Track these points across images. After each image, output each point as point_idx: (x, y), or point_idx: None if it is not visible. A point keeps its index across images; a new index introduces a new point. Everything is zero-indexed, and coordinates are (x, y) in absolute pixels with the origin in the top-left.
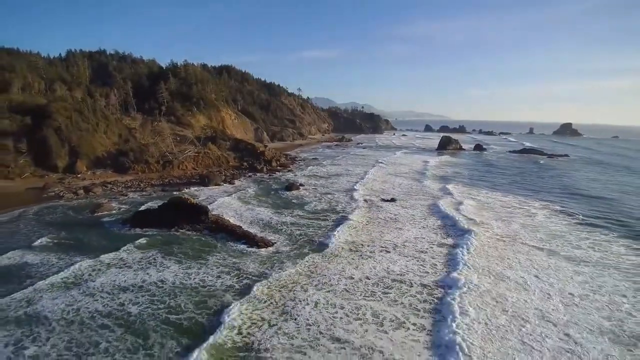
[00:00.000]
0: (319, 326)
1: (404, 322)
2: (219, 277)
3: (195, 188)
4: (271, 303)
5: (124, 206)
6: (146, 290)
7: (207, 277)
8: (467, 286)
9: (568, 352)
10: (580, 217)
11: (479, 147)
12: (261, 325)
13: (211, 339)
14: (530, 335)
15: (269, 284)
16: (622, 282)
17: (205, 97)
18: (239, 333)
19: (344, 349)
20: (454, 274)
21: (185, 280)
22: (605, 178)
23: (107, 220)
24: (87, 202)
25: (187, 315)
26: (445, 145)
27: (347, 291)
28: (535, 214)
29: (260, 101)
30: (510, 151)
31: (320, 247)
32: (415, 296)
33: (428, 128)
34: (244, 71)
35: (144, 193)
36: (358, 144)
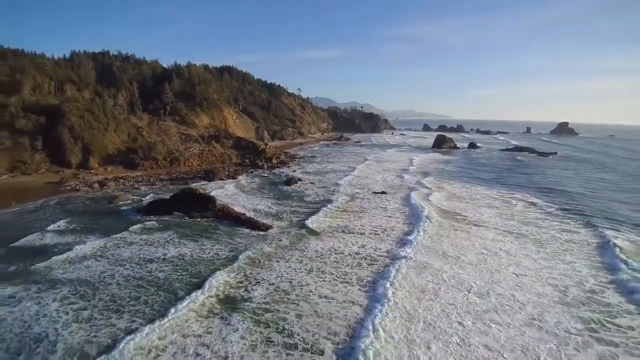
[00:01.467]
0: (309, 286)
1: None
2: (231, 251)
3: (201, 182)
4: (270, 269)
5: (137, 197)
6: (169, 261)
7: (221, 252)
8: (406, 259)
9: (505, 305)
10: (554, 208)
11: (472, 146)
12: (263, 284)
13: (222, 294)
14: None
15: (269, 256)
16: (582, 260)
17: (208, 97)
18: (246, 290)
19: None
20: (400, 250)
21: (202, 255)
22: (585, 175)
23: (124, 208)
24: (102, 194)
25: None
26: (440, 144)
27: (336, 262)
28: (506, 205)
29: (260, 101)
30: (501, 149)
31: (314, 230)
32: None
33: (426, 127)
34: (244, 72)
35: (154, 187)
36: (356, 142)
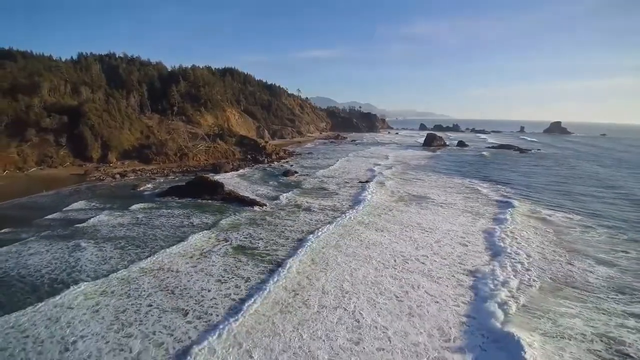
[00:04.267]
0: (299, 238)
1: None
2: (242, 219)
3: (209, 174)
4: (270, 230)
5: (155, 185)
6: (197, 226)
7: (235, 219)
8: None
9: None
10: (490, 191)
11: (461, 144)
12: (265, 239)
13: (237, 244)
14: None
15: (269, 221)
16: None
17: (212, 98)
18: (251, 243)
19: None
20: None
21: (221, 222)
22: (543, 170)
23: (147, 193)
24: (125, 183)
25: None
26: (430, 142)
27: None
28: (453, 189)
29: (261, 101)
30: (487, 147)
31: (306, 208)
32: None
33: (422, 127)
34: (246, 73)
35: (168, 177)
36: (351, 141)
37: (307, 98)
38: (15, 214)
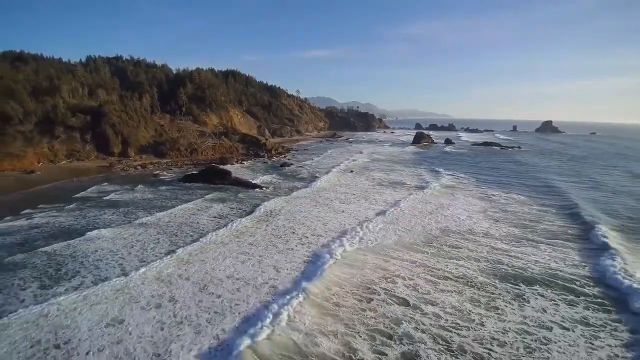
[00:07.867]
0: (293, 206)
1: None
2: (246, 196)
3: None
4: (267, 199)
5: (173, 174)
6: (215, 201)
7: (241, 195)
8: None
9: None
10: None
11: (448, 141)
12: (269, 209)
13: (247, 210)
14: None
15: (269, 198)
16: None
17: (216, 99)
18: (253, 210)
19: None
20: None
21: (231, 198)
22: (514, 163)
23: (167, 180)
24: (146, 172)
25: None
26: (419, 140)
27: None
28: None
29: (262, 102)
30: (472, 144)
31: (292, 188)
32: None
33: (418, 126)
34: (247, 75)
35: (182, 168)
36: (346, 139)
37: (306, 98)
38: (59, 193)
